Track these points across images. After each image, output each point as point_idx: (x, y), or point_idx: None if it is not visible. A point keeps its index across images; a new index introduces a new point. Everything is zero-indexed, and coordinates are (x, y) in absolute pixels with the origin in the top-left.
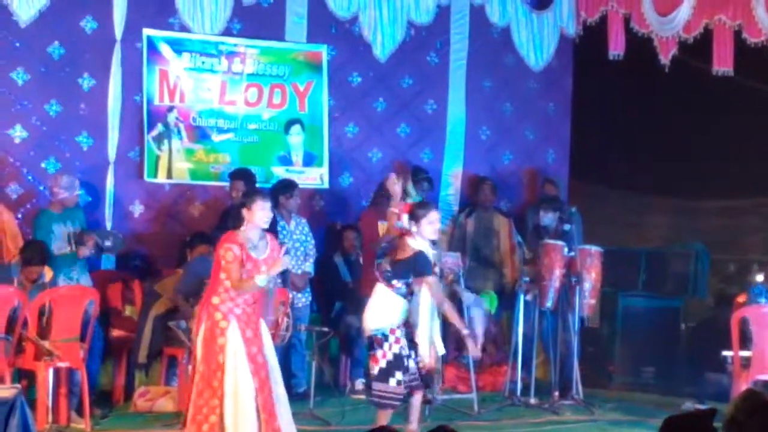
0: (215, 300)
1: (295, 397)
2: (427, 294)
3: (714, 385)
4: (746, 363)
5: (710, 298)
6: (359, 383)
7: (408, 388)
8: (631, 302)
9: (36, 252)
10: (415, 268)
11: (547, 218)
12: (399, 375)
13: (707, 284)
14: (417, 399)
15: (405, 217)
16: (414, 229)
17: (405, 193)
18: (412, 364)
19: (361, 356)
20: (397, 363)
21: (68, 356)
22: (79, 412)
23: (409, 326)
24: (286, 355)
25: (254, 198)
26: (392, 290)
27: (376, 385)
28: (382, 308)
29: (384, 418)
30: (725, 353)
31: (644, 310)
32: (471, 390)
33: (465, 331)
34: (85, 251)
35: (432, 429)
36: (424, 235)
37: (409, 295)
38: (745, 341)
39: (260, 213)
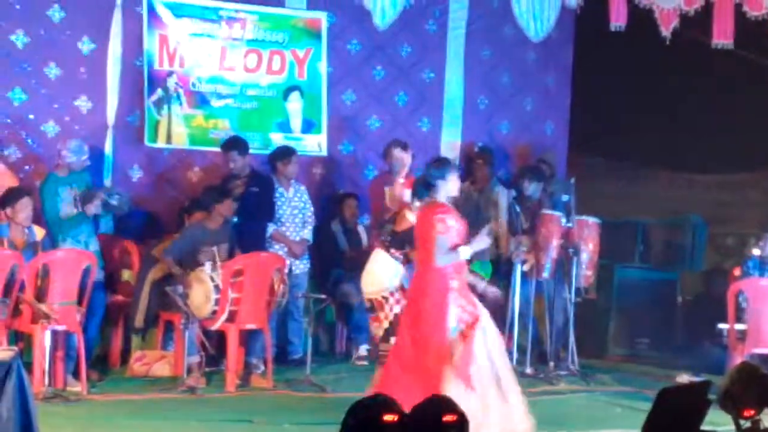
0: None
1: (291, 363)
2: None
3: (709, 357)
4: (741, 336)
5: (706, 271)
6: (363, 349)
7: None
8: (628, 274)
9: (10, 191)
10: (411, 239)
11: (531, 188)
12: None
13: (703, 257)
14: None
15: (407, 192)
16: (416, 204)
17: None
18: None
19: (362, 323)
20: (397, 323)
21: (65, 319)
22: (76, 375)
23: (404, 290)
24: (283, 321)
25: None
26: (391, 256)
27: (382, 345)
28: (380, 272)
29: None
30: (721, 326)
31: (640, 281)
32: None
33: (482, 284)
34: (92, 208)
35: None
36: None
37: (406, 263)
38: (741, 314)
39: (455, 183)
